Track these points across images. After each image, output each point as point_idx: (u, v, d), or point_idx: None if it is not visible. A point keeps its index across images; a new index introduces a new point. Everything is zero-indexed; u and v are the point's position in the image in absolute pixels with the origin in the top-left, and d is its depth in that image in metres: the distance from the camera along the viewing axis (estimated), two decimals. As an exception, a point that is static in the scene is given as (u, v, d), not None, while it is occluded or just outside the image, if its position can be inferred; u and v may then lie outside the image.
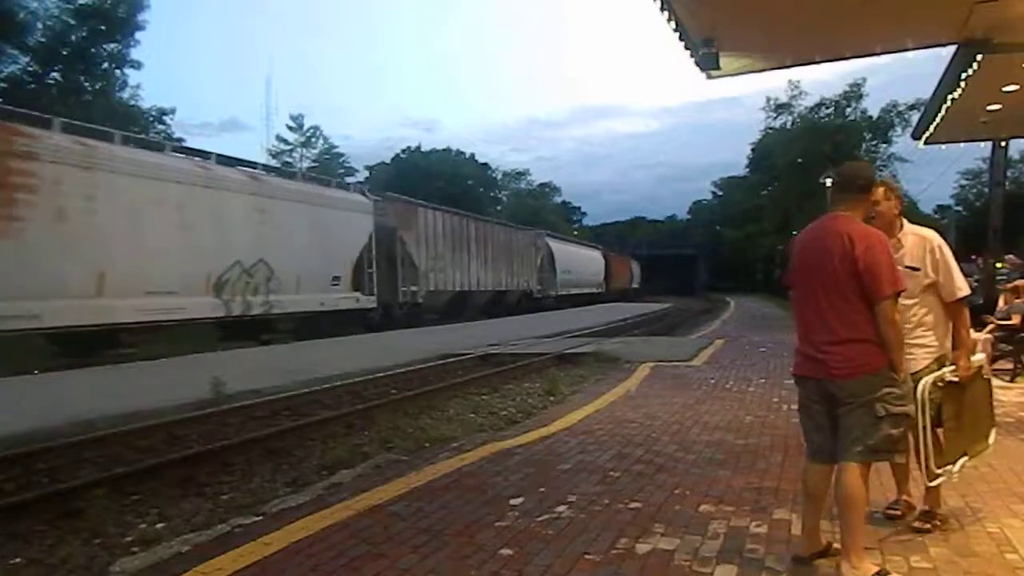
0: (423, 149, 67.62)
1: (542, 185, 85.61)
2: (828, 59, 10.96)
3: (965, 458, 3.54)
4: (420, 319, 23.71)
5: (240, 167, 17.74)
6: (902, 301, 3.32)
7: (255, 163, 19.34)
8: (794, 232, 41.80)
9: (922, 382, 3.39)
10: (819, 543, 3.20)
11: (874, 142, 43.71)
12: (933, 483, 3.52)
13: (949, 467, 3.46)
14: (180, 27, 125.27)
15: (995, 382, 3.74)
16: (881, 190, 3.62)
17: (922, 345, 3.56)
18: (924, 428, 3.35)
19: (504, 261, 32.53)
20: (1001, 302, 10.09)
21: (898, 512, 3.74)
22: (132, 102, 34.90)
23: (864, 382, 2.97)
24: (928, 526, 3.57)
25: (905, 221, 3.69)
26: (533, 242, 36.97)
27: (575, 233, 71.13)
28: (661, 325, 26.75)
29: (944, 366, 3.52)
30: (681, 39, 8.33)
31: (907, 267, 3.51)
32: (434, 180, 57.29)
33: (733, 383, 9.19)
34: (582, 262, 45.10)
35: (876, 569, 2.95)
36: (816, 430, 3.17)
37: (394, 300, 22.53)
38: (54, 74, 31.97)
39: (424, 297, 24.11)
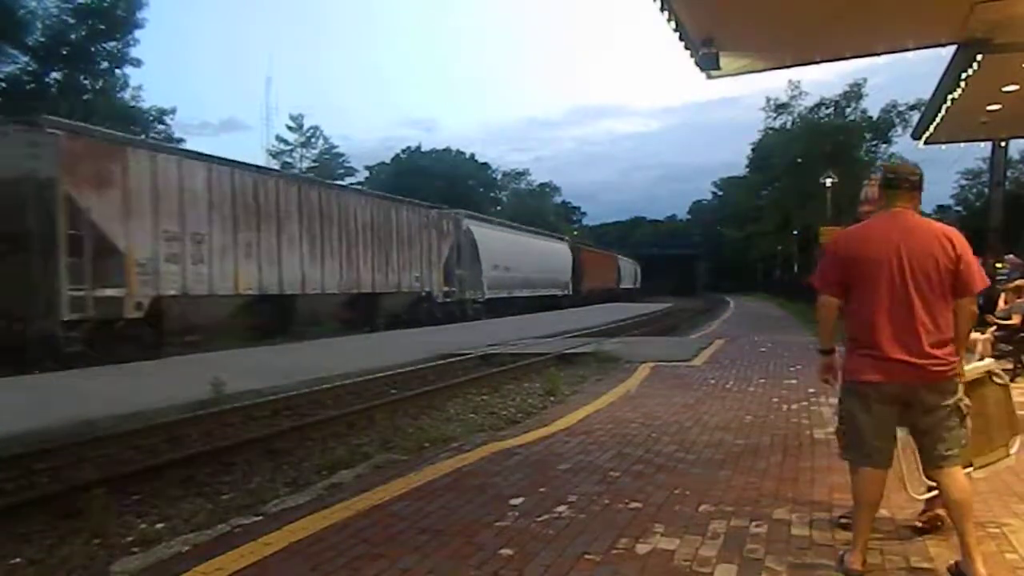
0: (423, 149, 67.85)
1: (542, 185, 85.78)
2: (828, 59, 10.97)
3: (969, 468, 3.40)
4: (145, 349, 13.21)
5: None
6: None
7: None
8: (795, 232, 41.51)
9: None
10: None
11: (874, 142, 43.77)
12: (922, 496, 3.45)
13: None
14: (180, 26, 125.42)
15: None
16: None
17: None
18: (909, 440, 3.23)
19: (373, 249, 21.45)
20: (1001, 302, 10.09)
21: (851, 521, 3.63)
22: (133, 102, 34.97)
23: (953, 382, 3.01)
24: (928, 526, 3.56)
25: None
26: (434, 224, 25.82)
27: (575, 233, 70.94)
28: (661, 325, 26.75)
29: None
30: (681, 39, 8.34)
31: None
32: (434, 180, 57.33)
33: (733, 383, 9.19)
34: (528, 255, 34.67)
35: None
36: (885, 438, 3.09)
37: (53, 319, 12.07)
38: (54, 73, 31.99)
39: (150, 307, 13.61)
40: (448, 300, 26.24)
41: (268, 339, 16.33)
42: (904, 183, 3.16)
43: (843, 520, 3.68)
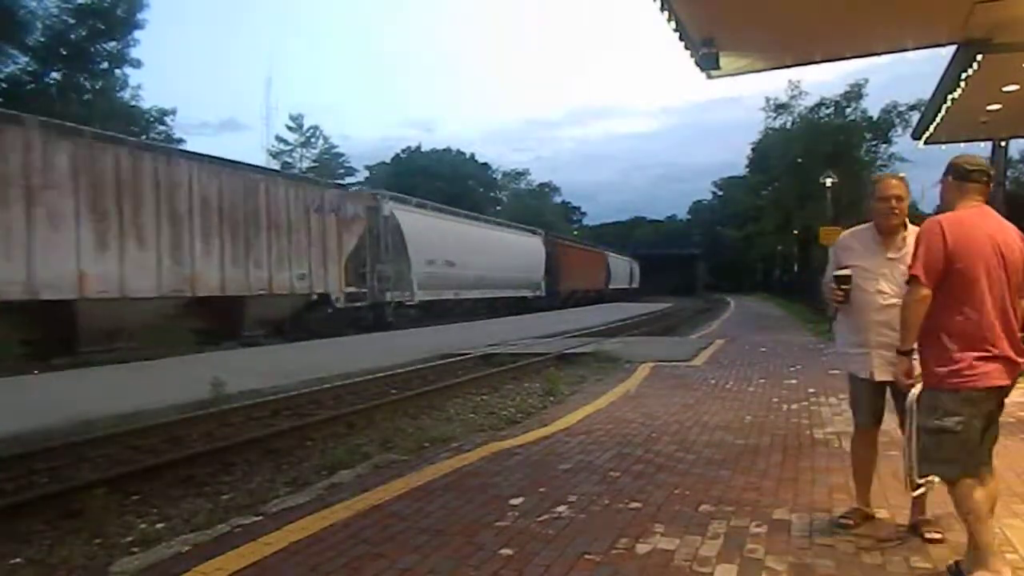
0: (423, 149, 67.91)
1: (542, 185, 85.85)
2: (828, 59, 10.98)
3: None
4: None
5: None
6: (893, 300, 3.33)
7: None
8: (795, 232, 41.46)
9: (916, 388, 3.16)
10: None
11: (874, 142, 43.71)
12: (916, 493, 3.39)
13: (932, 478, 3.26)
14: (179, 26, 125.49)
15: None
16: (904, 186, 3.61)
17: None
18: (911, 437, 3.14)
19: (221, 237, 15.79)
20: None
21: (851, 521, 3.64)
22: (133, 103, 34.97)
23: None
24: (939, 536, 3.45)
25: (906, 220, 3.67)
26: (333, 207, 19.77)
27: (575, 233, 70.67)
28: (661, 325, 26.72)
29: None
30: (681, 39, 8.34)
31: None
32: (434, 180, 57.33)
33: (733, 383, 9.19)
34: (483, 250, 29.23)
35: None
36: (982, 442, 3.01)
37: None
38: (54, 74, 31.99)
39: None
40: (356, 304, 20.65)
41: (43, 362, 11.91)
42: (983, 176, 3.06)
43: (843, 520, 3.68)
